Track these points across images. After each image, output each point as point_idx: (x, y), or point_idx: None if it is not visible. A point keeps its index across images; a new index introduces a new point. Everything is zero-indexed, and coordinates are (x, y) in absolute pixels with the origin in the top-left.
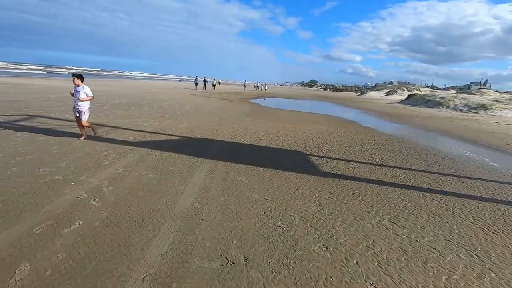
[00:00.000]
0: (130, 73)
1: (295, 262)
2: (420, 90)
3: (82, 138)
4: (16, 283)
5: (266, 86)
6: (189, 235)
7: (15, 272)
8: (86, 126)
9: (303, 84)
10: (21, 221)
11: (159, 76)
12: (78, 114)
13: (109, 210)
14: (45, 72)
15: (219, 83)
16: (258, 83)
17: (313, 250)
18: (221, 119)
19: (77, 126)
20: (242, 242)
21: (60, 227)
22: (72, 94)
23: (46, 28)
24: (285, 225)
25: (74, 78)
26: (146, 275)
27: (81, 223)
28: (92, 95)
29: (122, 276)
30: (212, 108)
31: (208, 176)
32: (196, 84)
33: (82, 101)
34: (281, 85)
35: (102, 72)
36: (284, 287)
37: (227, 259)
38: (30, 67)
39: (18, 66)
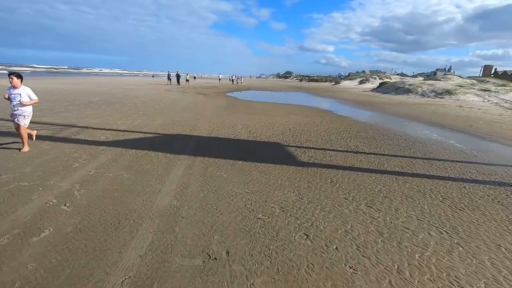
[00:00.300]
0: (100, 70)
1: (277, 253)
2: (390, 78)
3: (25, 149)
4: None
5: (242, 79)
6: (169, 234)
7: None
8: (26, 132)
9: (278, 76)
10: None
11: (131, 72)
12: (18, 120)
13: (82, 214)
14: (29, 71)
15: (194, 77)
16: (234, 76)
17: (294, 239)
18: (197, 114)
19: (21, 134)
20: (223, 237)
21: (28, 236)
22: (8, 98)
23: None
24: (265, 216)
25: (12, 78)
26: (125, 278)
27: (51, 230)
28: (37, 98)
29: (99, 281)
30: (188, 103)
31: (186, 173)
32: (169, 79)
33: (26, 105)
34: (257, 77)
35: (69, 70)
36: (267, 277)
37: (209, 255)
38: None
39: None
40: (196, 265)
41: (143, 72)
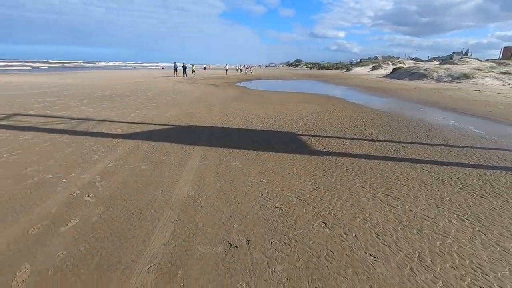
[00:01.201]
0: (113, 64)
1: (296, 240)
2: (404, 63)
3: None
4: (18, 285)
5: (252, 68)
6: (189, 223)
7: (15, 275)
8: None
9: (288, 64)
10: (15, 224)
11: (141, 64)
12: None
13: (105, 205)
14: (29, 68)
15: (204, 68)
16: (242, 66)
17: (312, 227)
18: (209, 105)
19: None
20: (242, 225)
21: (57, 226)
22: None
23: (16, 20)
24: (283, 205)
25: None
26: (151, 266)
27: (77, 220)
28: None
29: (126, 268)
30: (199, 95)
31: (202, 163)
32: (175, 70)
33: None
34: (266, 66)
35: (83, 64)
36: (288, 264)
37: (230, 243)
38: (14, 63)
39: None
40: (218, 253)
41: (154, 64)
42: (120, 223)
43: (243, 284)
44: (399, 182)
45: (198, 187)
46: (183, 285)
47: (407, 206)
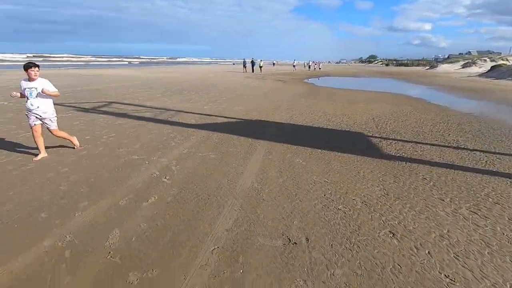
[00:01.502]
0: (191, 59)
1: (358, 247)
2: (508, 60)
3: (38, 158)
4: (110, 246)
5: (321, 64)
6: (251, 214)
7: (108, 237)
8: (63, 137)
9: (361, 61)
10: (109, 195)
11: (215, 60)
12: (37, 122)
13: (179, 187)
14: (126, 62)
15: (274, 64)
16: (311, 62)
17: (378, 236)
18: (276, 100)
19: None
20: (303, 223)
21: (140, 201)
22: (22, 95)
23: (116, 21)
24: (346, 208)
25: (31, 69)
26: (215, 248)
27: (156, 198)
28: (57, 90)
29: (194, 247)
30: (267, 90)
31: (266, 158)
32: (244, 66)
33: (50, 94)
34: (336, 62)
35: (167, 60)
36: (348, 270)
37: (289, 239)
38: (111, 59)
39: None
40: (276, 247)
41: (226, 60)
42: (190, 205)
43: (300, 281)
44: (490, 199)
45: (261, 180)
46: (242, 271)
47: (498, 228)
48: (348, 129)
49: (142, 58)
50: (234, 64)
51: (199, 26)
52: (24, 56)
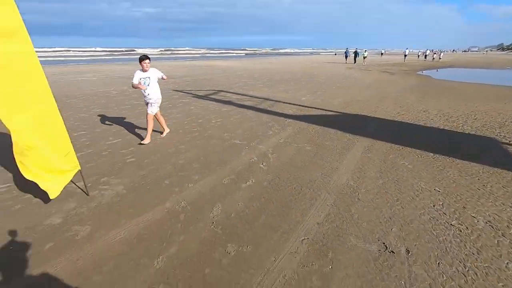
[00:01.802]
0: (292, 50)
1: (476, 274)
2: None
3: (146, 141)
4: (213, 217)
5: (442, 54)
6: (345, 212)
7: (212, 210)
8: (148, 123)
9: (501, 48)
10: (215, 173)
11: (316, 51)
12: (147, 108)
13: (274, 174)
14: (234, 54)
15: (382, 53)
16: (428, 51)
17: (506, 267)
18: (380, 94)
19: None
20: (403, 232)
21: (240, 182)
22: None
23: (227, 16)
24: (463, 226)
25: (143, 62)
26: (305, 238)
27: (253, 181)
28: (165, 75)
29: (285, 233)
30: (370, 82)
31: (365, 156)
32: (346, 57)
33: (165, 78)
34: (464, 51)
35: (270, 51)
36: None
37: (385, 246)
38: (221, 51)
39: (211, 51)
40: (370, 251)
41: (328, 51)
42: (284, 193)
43: None
44: None
45: (357, 179)
46: (331, 267)
47: None
48: (474, 132)
49: (248, 50)
50: (335, 54)
51: (302, 16)
52: (157, 50)
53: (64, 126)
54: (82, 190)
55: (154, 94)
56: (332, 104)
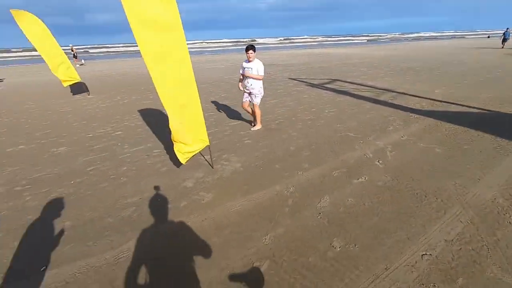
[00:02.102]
0: (426, 34)
1: None
2: None
3: (256, 128)
4: (320, 208)
5: None
6: (487, 235)
7: (320, 200)
8: (255, 114)
9: None
10: (325, 163)
11: (460, 33)
12: (248, 99)
13: (391, 174)
14: (354, 41)
15: None
16: None
17: None
18: None
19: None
20: None
21: (351, 177)
22: (243, 76)
23: (345, 1)
24: None
25: (248, 52)
26: (426, 254)
27: (366, 178)
28: (261, 75)
29: (400, 242)
30: None
31: None
32: (505, 40)
33: (250, 76)
34: None
35: (398, 36)
36: None
37: None
38: (339, 38)
39: (328, 39)
40: None
41: (476, 32)
42: (403, 197)
43: None
44: None
45: (510, 196)
46: None
47: None
48: None
49: (370, 36)
50: (489, 37)
51: None
52: (277, 40)
53: (201, 107)
54: (209, 162)
55: (256, 84)
56: (478, 99)
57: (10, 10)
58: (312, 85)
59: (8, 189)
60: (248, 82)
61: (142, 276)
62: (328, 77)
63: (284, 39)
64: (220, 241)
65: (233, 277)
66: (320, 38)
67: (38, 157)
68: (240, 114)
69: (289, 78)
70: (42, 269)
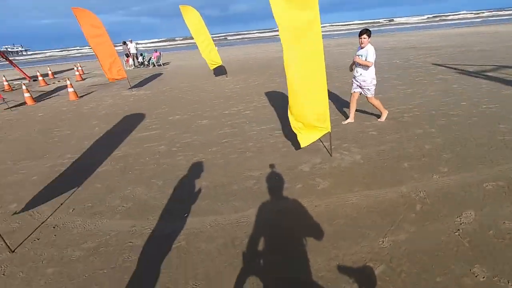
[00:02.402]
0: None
1: None
2: None
3: (382, 119)
4: (460, 224)
5: None
6: None
7: (461, 214)
8: (376, 106)
9: None
10: (473, 171)
11: None
12: (357, 90)
13: None
14: None
15: None
16: None
17: None
18: None
19: (372, 104)
20: None
21: (511, 193)
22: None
23: None
24: None
25: (361, 37)
26: None
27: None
28: (371, 61)
29: None
30: None
31: None
32: None
33: (358, 62)
34: None
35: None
36: None
37: None
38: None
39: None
40: None
41: None
42: None
43: None
44: None
45: None
46: None
47: None
48: None
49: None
50: None
51: None
52: (423, 18)
53: (327, 91)
54: (327, 149)
55: (367, 75)
56: None
57: (180, 6)
58: (466, 73)
59: (168, 148)
60: (357, 72)
61: (258, 240)
62: (492, 63)
63: (433, 17)
64: (332, 230)
65: (343, 270)
66: (486, 13)
67: (188, 126)
68: (365, 102)
69: (432, 64)
70: (185, 215)
